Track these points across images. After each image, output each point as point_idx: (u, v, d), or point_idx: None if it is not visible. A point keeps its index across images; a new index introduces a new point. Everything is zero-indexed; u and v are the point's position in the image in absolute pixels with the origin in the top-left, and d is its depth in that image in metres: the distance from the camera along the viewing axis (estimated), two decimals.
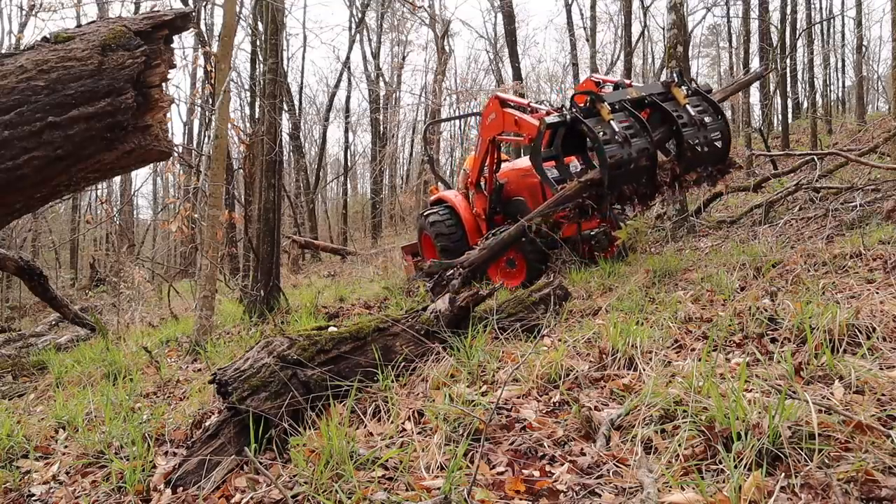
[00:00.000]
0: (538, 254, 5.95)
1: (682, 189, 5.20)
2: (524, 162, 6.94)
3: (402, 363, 2.84)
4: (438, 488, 1.77)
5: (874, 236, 4.44)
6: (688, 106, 4.89)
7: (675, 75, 5.21)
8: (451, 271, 4.52)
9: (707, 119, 4.93)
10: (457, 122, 28.03)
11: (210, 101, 10.88)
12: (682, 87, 5.05)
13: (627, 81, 5.48)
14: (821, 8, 23.13)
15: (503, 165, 6.91)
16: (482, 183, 6.95)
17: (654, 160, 4.74)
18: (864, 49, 20.78)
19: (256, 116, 13.77)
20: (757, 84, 18.14)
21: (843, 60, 24.52)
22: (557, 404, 2.37)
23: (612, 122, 4.66)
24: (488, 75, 28.03)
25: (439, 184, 9.23)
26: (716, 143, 4.96)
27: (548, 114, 5.05)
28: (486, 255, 4.74)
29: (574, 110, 4.88)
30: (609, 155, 4.56)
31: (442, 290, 4.25)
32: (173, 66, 2.42)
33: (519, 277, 6.09)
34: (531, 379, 2.55)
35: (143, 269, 12.65)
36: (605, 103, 4.80)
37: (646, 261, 5.30)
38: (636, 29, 23.43)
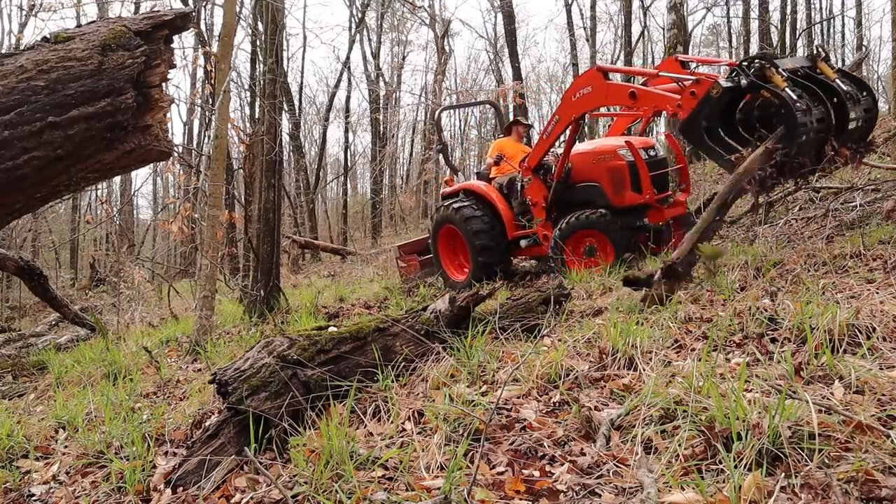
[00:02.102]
0: (627, 240, 5.50)
1: (836, 165, 4.81)
2: (594, 144, 6.41)
3: (402, 363, 2.84)
4: (438, 488, 1.77)
5: (874, 236, 4.44)
6: (838, 81, 4.63)
7: (819, 50, 4.95)
8: (691, 254, 4.06)
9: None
10: (457, 122, 28.02)
11: (210, 101, 10.89)
12: (829, 63, 4.76)
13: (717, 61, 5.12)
14: (821, 8, 23.11)
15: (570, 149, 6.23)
16: (537, 168, 6.30)
17: (828, 132, 4.48)
18: (864, 49, 20.78)
19: (256, 116, 13.78)
20: None
21: (843, 60, 24.51)
22: (557, 404, 2.37)
23: (787, 90, 4.35)
24: (488, 75, 28.02)
25: (458, 174, 8.45)
26: (865, 121, 4.71)
27: (698, 82, 4.64)
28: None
29: (742, 76, 4.49)
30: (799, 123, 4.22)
31: (682, 273, 3.90)
32: (173, 66, 2.42)
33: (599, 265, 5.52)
34: (531, 379, 2.55)
35: (143, 269, 12.65)
36: (779, 70, 4.43)
37: (647, 261, 5.29)
38: (636, 29, 23.43)
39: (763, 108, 4.58)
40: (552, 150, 6.34)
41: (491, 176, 7.10)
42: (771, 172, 4.27)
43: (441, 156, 8.15)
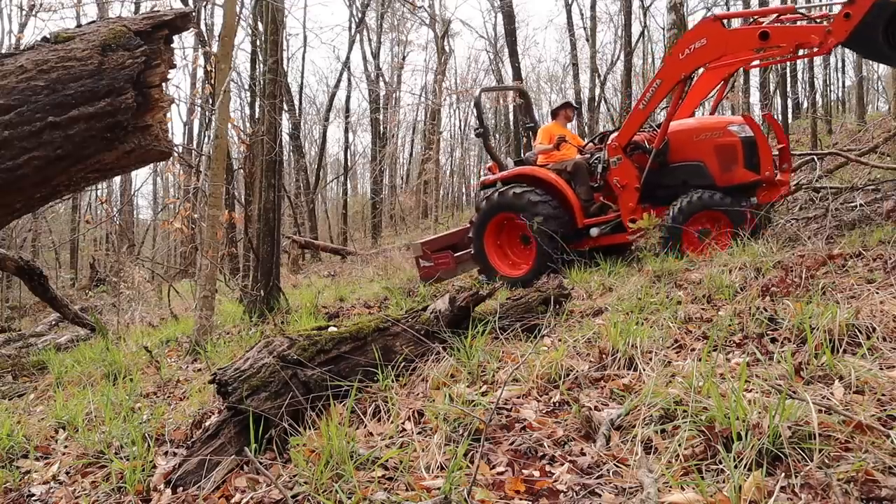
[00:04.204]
0: (745, 221, 5.07)
1: None
2: (692, 122, 5.94)
3: (402, 363, 2.84)
4: (438, 488, 1.77)
5: (874, 236, 4.44)
6: None
7: None
8: None
9: None
10: (457, 122, 28.06)
11: (210, 101, 10.89)
12: None
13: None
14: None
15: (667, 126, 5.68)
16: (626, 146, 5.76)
17: None
18: None
19: (256, 116, 13.77)
20: (757, 84, 18.13)
21: (843, 60, 24.50)
22: (557, 404, 2.37)
23: None
24: (488, 75, 28.07)
25: (519, 163, 7.47)
26: None
27: (852, 2, 4.32)
28: None
29: None
30: None
31: None
32: (173, 66, 2.42)
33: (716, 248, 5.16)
34: (531, 379, 2.55)
35: (143, 269, 12.65)
36: None
37: (647, 261, 5.29)
38: (636, 29, 23.43)
39: None
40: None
41: (540, 163, 6.59)
42: None
43: (482, 141, 7.47)
